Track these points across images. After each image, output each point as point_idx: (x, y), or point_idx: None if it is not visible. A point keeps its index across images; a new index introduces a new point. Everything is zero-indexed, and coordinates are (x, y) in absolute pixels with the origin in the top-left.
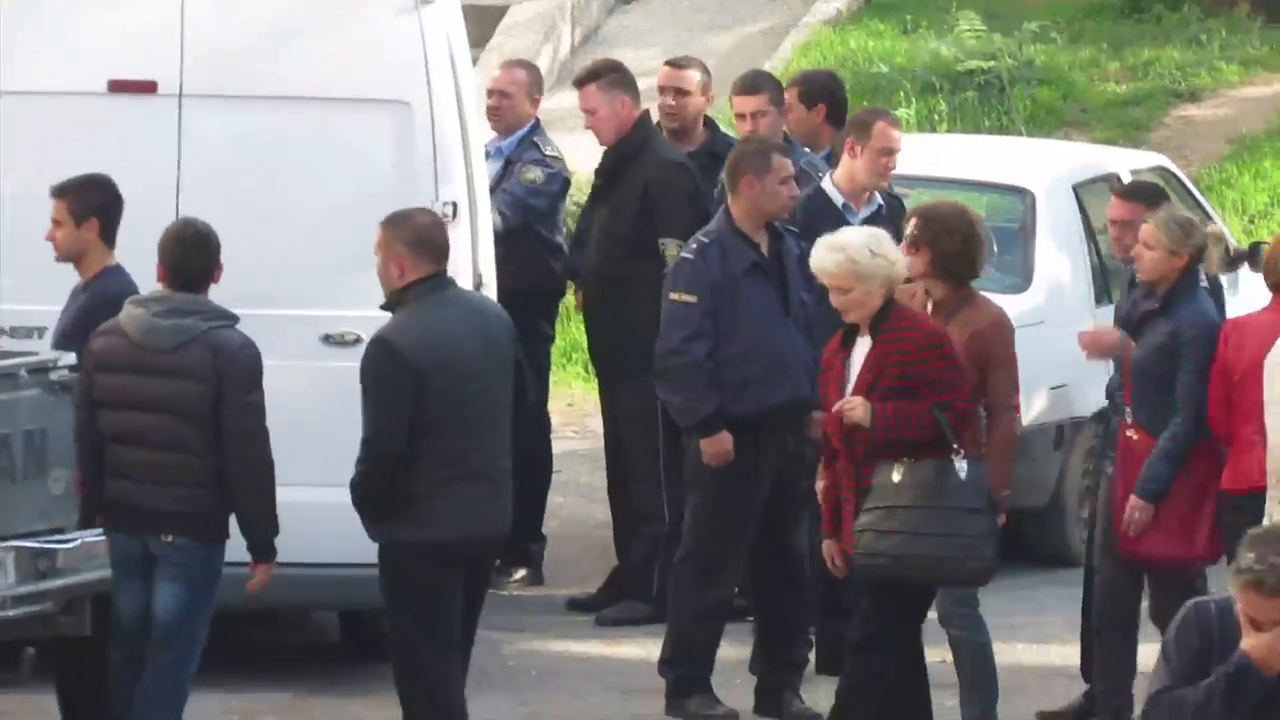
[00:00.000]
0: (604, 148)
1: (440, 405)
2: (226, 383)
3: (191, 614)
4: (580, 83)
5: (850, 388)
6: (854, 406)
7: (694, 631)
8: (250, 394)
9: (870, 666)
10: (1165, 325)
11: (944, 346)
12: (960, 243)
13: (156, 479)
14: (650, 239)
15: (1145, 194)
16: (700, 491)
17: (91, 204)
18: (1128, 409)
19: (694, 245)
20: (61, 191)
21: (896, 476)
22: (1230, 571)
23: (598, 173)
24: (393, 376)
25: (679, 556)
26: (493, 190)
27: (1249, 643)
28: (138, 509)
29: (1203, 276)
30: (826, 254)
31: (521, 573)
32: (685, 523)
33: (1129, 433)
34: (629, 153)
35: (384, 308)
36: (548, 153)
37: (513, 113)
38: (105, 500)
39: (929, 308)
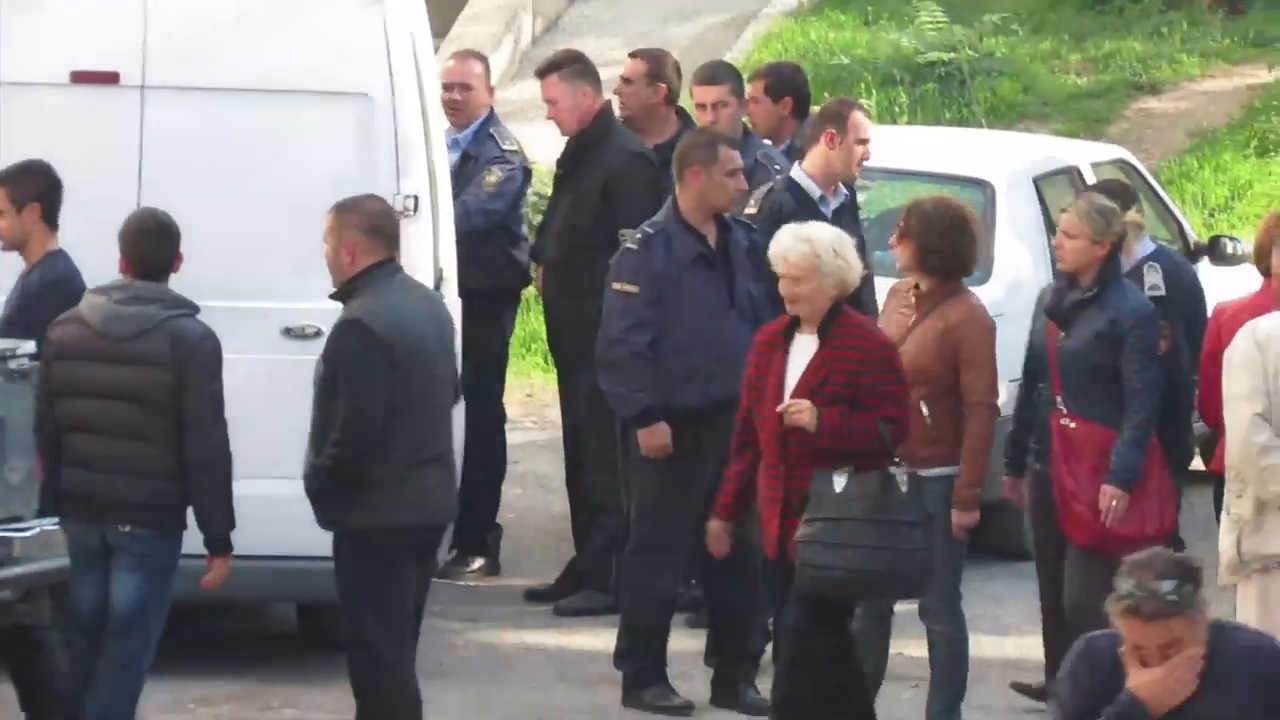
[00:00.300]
0: (566, 138)
1: (405, 388)
2: (187, 372)
3: (148, 605)
4: (542, 73)
5: (791, 387)
6: (801, 409)
7: (645, 622)
8: (211, 384)
9: (811, 680)
10: (1102, 314)
11: (894, 360)
12: (940, 238)
13: (115, 469)
14: (610, 230)
15: (1114, 194)
16: (643, 482)
17: (31, 190)
18: (1058, 399)
19: (639, 236)
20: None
21: (839, 486)
22: (1109, 603)
23: (559, 163)
24: (369, 356)
25: (628, 548)
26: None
27: (1135, 680)
28: (95, 499)
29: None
30: (792, 242)
31: (479, 562)
32: (631, 514)
33: (1065, 422)
34: (590, 143)
35: (334, 297)
36: (505, 147)
37: (471, 105)
38: (63, 490)
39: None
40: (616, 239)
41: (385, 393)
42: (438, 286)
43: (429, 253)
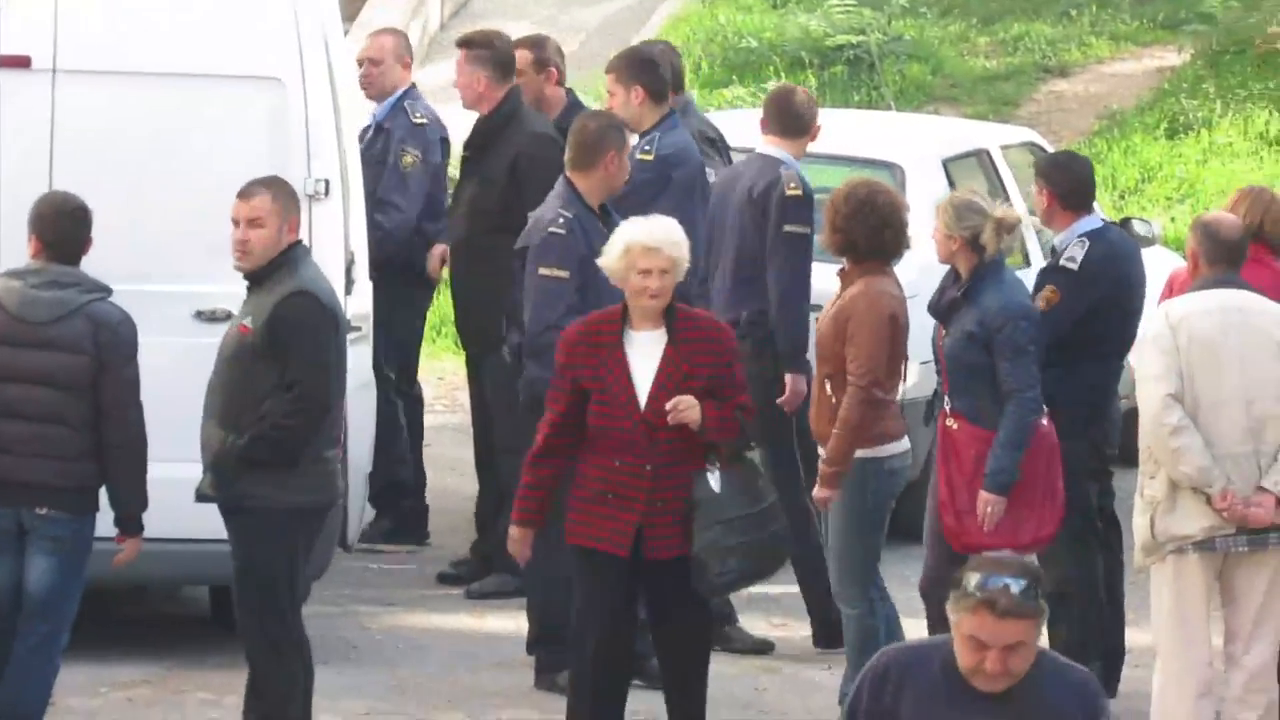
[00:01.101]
0: (475, 119)
1: (340, 365)
2: (106, 356)
3: (65, 587)
4: (457, 44)
5: (645, 385)
6: (689, 406)
7: (554, 606)
8: (128, 367)
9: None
10: (972, 313)
11: (736, 346)
12: (843, 219)
13: (32, 451)
14: (518, 213)
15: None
16: None
17: None
18: (946, 398)
19: (561, 220)
20: None
21: (715, 485)
22: (951, 600)
23: (466, 145)
24: (324, 327)
25: (535, 535)
26: (365, 156)
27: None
28: (10, 482)
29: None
30: (668, 234)
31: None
32: None
33: (948, 422)
34: (498, 126)
35: (249, 277)
36: (416, 119)
37: (384, 79)
38: None
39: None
40: (524, 221)
41: (336, 365)
42: (349, 269)
43: (340, 235)
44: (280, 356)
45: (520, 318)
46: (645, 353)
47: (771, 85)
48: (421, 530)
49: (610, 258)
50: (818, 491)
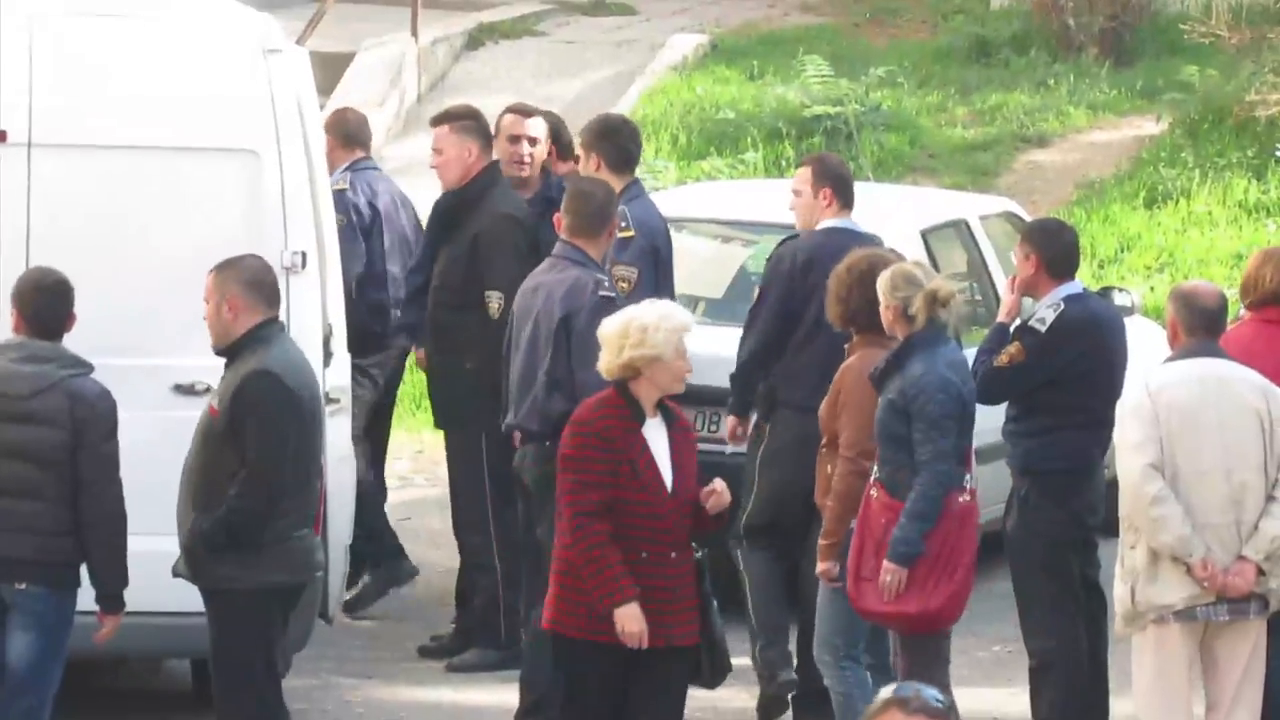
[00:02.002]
0: (444, 194)
1: (304, 444)
2: (84, 431)
3: (46, 661)
4: (435, 121)
5: (669, 472)
6: (724, 489)
7: (544, 676)
8: (107, 443)
9: None
10: (896, 382)
11: None
12: (845, 290)
13: (11, 526)
14: (478, 290)
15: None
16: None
17: None
18: (874, 467)
19: (607, 284)
20: None
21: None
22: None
23: (433, 220)
24: (284, 408)
25: (526, 606)
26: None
27: None
28: None
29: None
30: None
31: (365, 579)
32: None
33: (871, 490)
34: (468, 202)
35: (220, 353)
36: (334, 187)
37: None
38: None
39: None
40: (484, 299)
41: (293, 446)
42: (327, 342)
43: (318, 308)
44: (241, 437)
45: (508, 395)
46: (655, 439)
47: (749, 156)
48: (401, 569)
49: (662, 343)
50: (819, 566)
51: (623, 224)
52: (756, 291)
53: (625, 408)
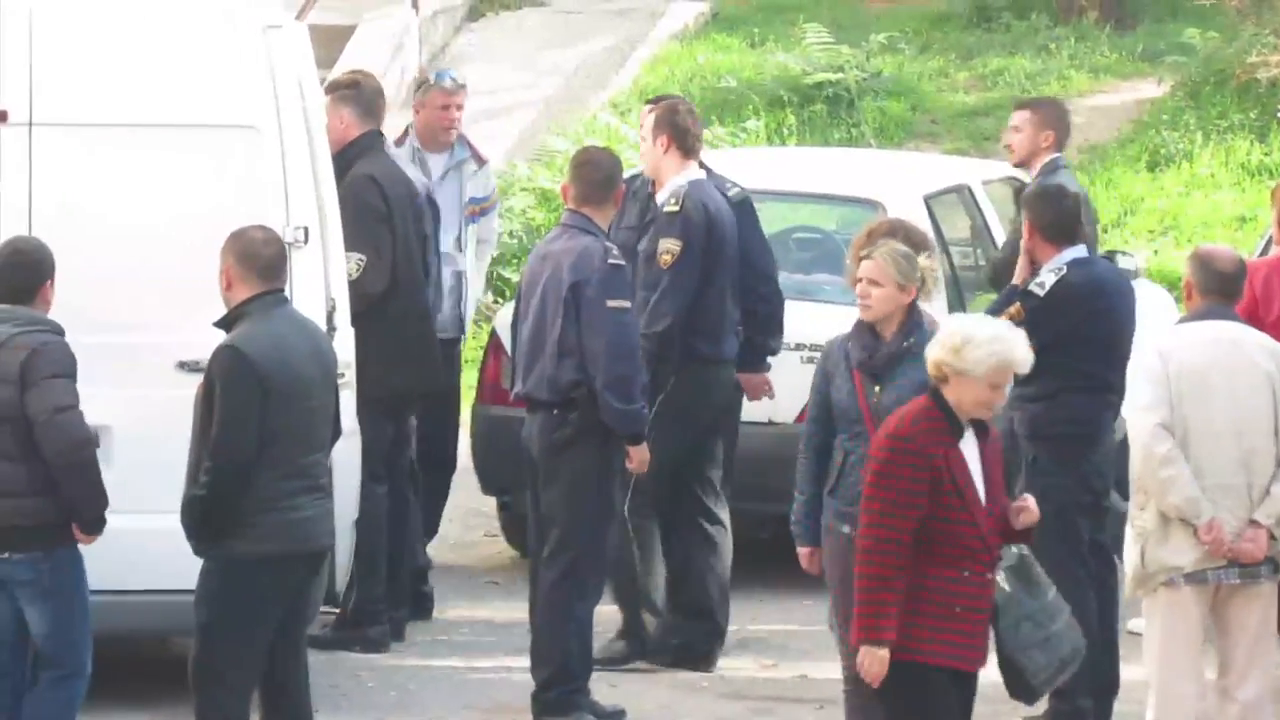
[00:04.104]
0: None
1: (283, 416)
2: (27, 372)
3: (62, 628)
4: (326, 91)
5: (983, 486)
6: (1034, 503)
7: (562, 647)
8: (55, 382)
9: None
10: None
11: None
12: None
13: None
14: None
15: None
16: (574, 506)
17: None
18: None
19: (615, 251)
20: None
21: (1005, 584)
22: None
23: None
24: (242, 382)
25: (552, 577)
26: None
27: None
28: None
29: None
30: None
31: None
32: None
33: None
34: (342, 169)
35: (217, 324)
36: None
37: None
38: None
39: None
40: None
41: (259, 420)
42: (330, 317)
43: (320, 283)
44: (212, 413)
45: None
46: (969, 453)
47: (751, 124)
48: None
49: (976, 362)
50: None
51: (672, 200)
52: None
53: (943, 420)
